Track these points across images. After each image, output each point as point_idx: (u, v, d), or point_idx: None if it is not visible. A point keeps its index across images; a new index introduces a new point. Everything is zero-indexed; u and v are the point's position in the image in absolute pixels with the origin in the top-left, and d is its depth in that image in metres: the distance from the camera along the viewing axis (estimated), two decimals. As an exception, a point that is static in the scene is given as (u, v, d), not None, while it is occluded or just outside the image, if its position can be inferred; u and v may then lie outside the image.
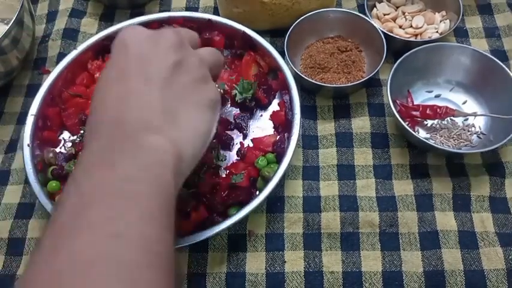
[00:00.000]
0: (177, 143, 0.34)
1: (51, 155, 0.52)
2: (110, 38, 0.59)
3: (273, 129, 0.55)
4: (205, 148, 0.37)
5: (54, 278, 0.25)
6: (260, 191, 0.47)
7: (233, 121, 0.55)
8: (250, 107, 0.55)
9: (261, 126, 0.55)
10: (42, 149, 0.53)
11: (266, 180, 0.48)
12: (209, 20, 0.59)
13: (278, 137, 0.52)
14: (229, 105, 0.56)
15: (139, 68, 0.35)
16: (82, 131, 0.54)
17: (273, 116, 0.55)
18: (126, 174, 0.30)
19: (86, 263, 0.25)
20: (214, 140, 0.53)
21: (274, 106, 0.56)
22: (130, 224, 0.28)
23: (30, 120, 0.52)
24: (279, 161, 0.49)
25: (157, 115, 0.34)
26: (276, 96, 0.57)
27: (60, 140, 0.55)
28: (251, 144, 0.53)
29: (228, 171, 0.51)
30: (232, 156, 0.53)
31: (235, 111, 0.56)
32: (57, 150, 0.54)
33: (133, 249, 0.27)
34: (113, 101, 0.34)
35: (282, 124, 0.53)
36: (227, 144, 0.53)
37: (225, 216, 0.47)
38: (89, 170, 0.31)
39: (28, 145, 0.51)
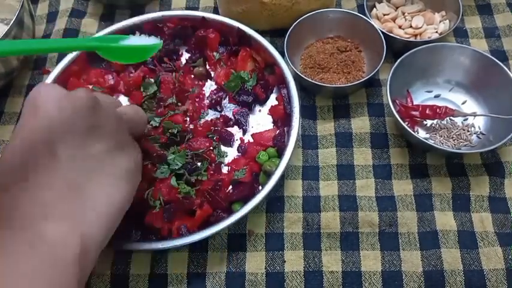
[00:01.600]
0: (83, 225, 0.31)
1: None
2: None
3: (273, 124, 0.55)
4: (119, 221, 0.34)
5: None
6: (263, 186, 0.47)
7: (232, 117, 0.55)
8: (248, 103, 0.55)
9: (260, 121, 0.55)
10: None
11: (268, 175, 0.48)
12: (203, 17, 0.59)
13: (278, 131, 0.52)
14: (227, 101, 0.57)
15: (46, 136, 0.32)
16: None
17: (272, 111, 0.55)
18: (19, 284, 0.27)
19: None
20: (215, 138, 0.53)
21: (273, 101, 0.56)
22: None
23: None
24: (280, 155, 0.49)
25: (59, 196, 0.31)
26: (274, 91, 0.57)
27: None
28: (251, 140, 0.53)
29: (229, 167, 0.51)
30: (233, 152, 0.53)
31: (234, 107, 0.56)
32: None
33: None
34: (11, 183, 0.30)
35: (281, 118, 0.54)
36: (228, 141, 0.53)
37: (230, 212, 0.47)
38: None
39: None
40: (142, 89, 0.56)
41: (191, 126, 0.53)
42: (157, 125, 0.52)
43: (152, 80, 0.57)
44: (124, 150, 0.36)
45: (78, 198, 0.31)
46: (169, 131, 0.51)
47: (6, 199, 0.30)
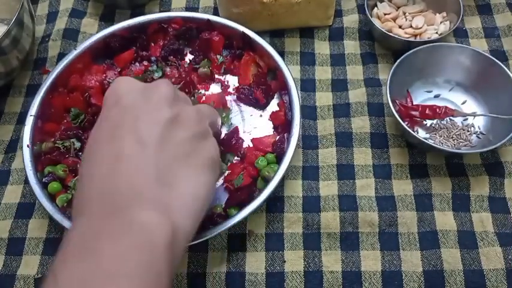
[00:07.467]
0: (172, 214, 0.31)
1: (50, 144, 0.53)
2: (111, 36, 0.59)
3: (273, 130, 0.55)
4: (205, 212, 0.34)
5: None
6: (260, 191, 0.47)
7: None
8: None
9: (261, 126, 0.55)
10: (44, 141, 0.53)
11: (266, 180, 0.48)
12: (208, 20, 0.59)
13: (278, 137, 0.52)
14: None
15: (131, 126, 0.33)
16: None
17: (273, 117, 0.55)
18: (112, 268, 0.27)
19: None
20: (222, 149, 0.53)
21: (274, 107, 0.56)
22: None
23: (29, 120, 0.52)
24: (279, 161, 0.49)
25: (150, 183, 0.31)
26: (275, 97, 0.57)
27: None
28: (251, 145, 0.53)
29: (229, 171, 0.51)
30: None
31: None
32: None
33: None
34: (102, 168, 0.32)
35: (282, 124, 0.54)
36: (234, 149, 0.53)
37: (225, 217, 0.47)
38: (71, 261, 0.28)
39: (28, 146, 0.51)
40: (148, 74, 0.56)
41: None
42: None
43: (155, 67, 0.57)
44: (206, 139, 0.37)
45: (167, 187, 0.32)
46: None
47: (101, 184, 0.31)
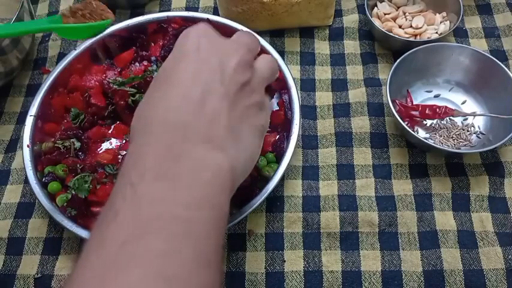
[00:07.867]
0: (233, 164, 0.32)
1: (50, 144, 0.53)
2: (110, 36, 0.59)
3: (273, 129, 0.55)
4: (246, 176, 0.36)
5: None
6: (260, 191, 0.47)
7: None
8: None
9: None
10: (44, 141, 0.53)
11: (266, 180, 0.48)
12: (207, 19, 0.59)
13: (278, 136, 0.52)
14: None
15: (214, 74, 0.34)
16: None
17: (272, 116, 0.55)
18: (188, 196, 0.29)
19: None
20: None
21: (274, 106, 0.56)
22: (184, 264, 0.27)
23: (29, 120, 0.52)
24: (278, 160, 0.49)
25: (223, 130, 0.33)
26: (275, 96, 0.57)
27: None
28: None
29: None
30: None
31: None
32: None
33: None
34: (180, 99, 0.33)
35: (282, 124, 0.54)
36: None
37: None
38: (149, 180, 0.29)
39: (28, 146, 0.51)
40: (147, 73, 0.56)
41: None
42: None
43: (155, 67, 0.57)
44: (263, 109, 0.38)
45: (233, 138, 0.33)
46: None
47: (179, 115, 0.32)
